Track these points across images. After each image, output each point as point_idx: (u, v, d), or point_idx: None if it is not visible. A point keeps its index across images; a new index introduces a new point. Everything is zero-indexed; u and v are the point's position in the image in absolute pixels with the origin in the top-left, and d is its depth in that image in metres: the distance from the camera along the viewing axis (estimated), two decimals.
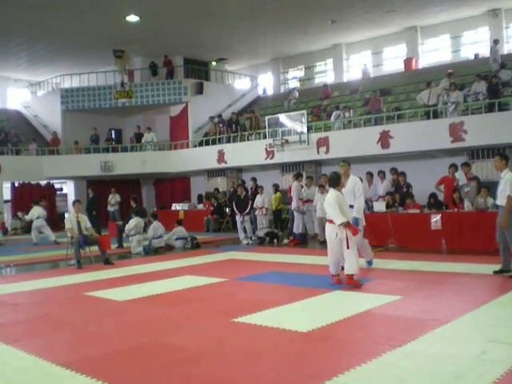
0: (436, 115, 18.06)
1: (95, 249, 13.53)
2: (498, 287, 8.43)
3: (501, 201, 9.26)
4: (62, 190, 28.74)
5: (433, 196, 14.74)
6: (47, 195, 25.63)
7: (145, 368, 5.33)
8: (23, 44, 25.22)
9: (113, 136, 30.16)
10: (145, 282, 10.46)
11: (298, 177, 16.96)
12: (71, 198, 25.54)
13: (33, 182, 26.50)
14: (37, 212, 19.26)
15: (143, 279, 10.78)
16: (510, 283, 8.56)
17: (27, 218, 19.77)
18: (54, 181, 27.44)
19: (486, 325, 6.33)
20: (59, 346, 6.36)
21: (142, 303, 8.45)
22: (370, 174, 16.88)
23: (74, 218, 13.36)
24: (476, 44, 25.08)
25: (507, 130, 15.89)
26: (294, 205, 16.45)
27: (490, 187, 13.65)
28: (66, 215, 15.77)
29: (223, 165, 23.75)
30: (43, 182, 26.89)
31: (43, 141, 28.68)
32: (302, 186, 17.53)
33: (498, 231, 9.50)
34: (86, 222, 13.50)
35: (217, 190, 23.84)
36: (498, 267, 9.51)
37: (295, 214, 16.46)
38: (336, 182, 9.24)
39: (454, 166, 14.92)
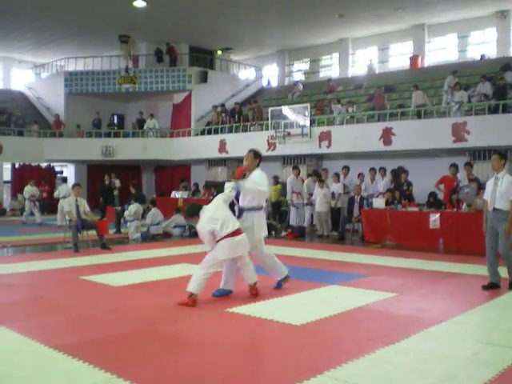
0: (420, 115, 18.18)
1: (93, 233, 13.53)
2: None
3: (501, 204, 8.42)
4: (62, 173, 28.73)
5: (432, 195, 14.76)
6: (47, 178, 25.68)
7: (137, 354, 5.34)
8: (29, 25, 25.14)
9: (115, 121, 30.09)
10: (141, 268, 10.47)
11: (293, 169, 16.98)
12: (71, 181, 25.55)
13: (33, 164, 26.53)
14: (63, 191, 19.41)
15: (140, 265, 10.78)
16: (506, 286, 8.55)
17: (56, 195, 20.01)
18: (55, 164, 27.45)
19: (479, 326, 6.34)
20: (53, 328, 6.37)
21: (138, 289, 8.46)
22: (373, 170, 16.91)
23: (73, 202, 13.35)
24: (483, 45, 25.01)
25: (510, 132, 15.87)
26: (288, 197, 16.57)
27: None
28: (66, 198, 15.79)
29: (224, 155, 23.70)
30: (44, 165, 26.92)
31: (45, 123, 28.65)
32: (303, 180, 17.58)
33: (489, 237, 8.63)
34: (84, 206, 13.49)
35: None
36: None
37: (291, 207, 16.52)
38: (193, 213, 7.81)
39: (454, 166, 14.91)
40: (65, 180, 20.37)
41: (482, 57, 23.95)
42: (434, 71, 23.63)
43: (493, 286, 8.39)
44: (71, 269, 10.48)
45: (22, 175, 25.97)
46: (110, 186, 21.56)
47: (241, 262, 7.82)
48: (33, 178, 22.10)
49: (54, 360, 5.14)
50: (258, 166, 8.29)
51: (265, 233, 8.38)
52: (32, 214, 20.55)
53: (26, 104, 30.45)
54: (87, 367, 4.91)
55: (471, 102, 17.84)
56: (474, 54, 24.99)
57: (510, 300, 7.74)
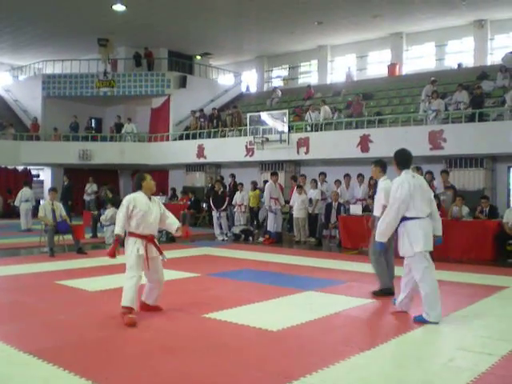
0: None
1: (69, 237, 13.43)
2: (470, 296, 8.49)
3: (376, 211, 8.31)
4: (38, 176, 28.51)
5: None
6: (13, 187, 25.48)
7: (113, 359, 5.30)
8: (7, 27, 24.92)
9: (93, 125, 30.01)
10: (117, 273, 10.33)
11: (272, 175, 17.00)
12: (48, 184, 25.38)
13: (9, 167, 26.30)
14: (26, 194, 19.22)
15: (116, 270, 10.65)
16: (482, 293, 8.61)
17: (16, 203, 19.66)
18: (31, 167, 27.24)
19: (455, 332, 6.37)
20: (28, 333, 6.30)
21: (113, 294, 8.37)
22: (348, 176, 17.02)
23: (49, 206, 13.25)
24: (460, 53, 25.24)
25: (486, 141, 16.07)
26: (266, 203, 16.55)
27: (466, 196, 13.86)
28: (42, 202, 15.75)
29: (202, 160, 23.71)
30: (20, 168, 26.70)
31: (22, 126, 28.44)
32: (282, 187, 17.64)
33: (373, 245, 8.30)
34: (61, 210, 13.40)
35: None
36: (469, 276, 9.55)
37: (269, 212, 16.52)
38: (138, 185, 7.14)
39: (430, 174, 15.03)
40: (27, 183, 20.06)
41: (459, 65, 24.19)
42: (411, 79, 23.83)
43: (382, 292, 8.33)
44: (47, 273, 10.39)
45: None
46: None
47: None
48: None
49: (29, 365, 5.09)
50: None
51: (411, 250, 6.80)
52: None
53: (3, 106, 30.18)
54: (62, 372, 4.86)
55: (448, 111, 18.01)
56: (451, 62, 25.22)
57: (486, 307, 7.79)
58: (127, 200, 6.94)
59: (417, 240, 6.73)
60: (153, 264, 7.01)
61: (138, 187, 7.11)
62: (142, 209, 6.86)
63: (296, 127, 21.45)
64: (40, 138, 26.72)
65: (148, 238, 6.96)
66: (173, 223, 7.26)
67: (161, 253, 7.08)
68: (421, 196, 6.87)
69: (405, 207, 6.75)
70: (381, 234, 6.99)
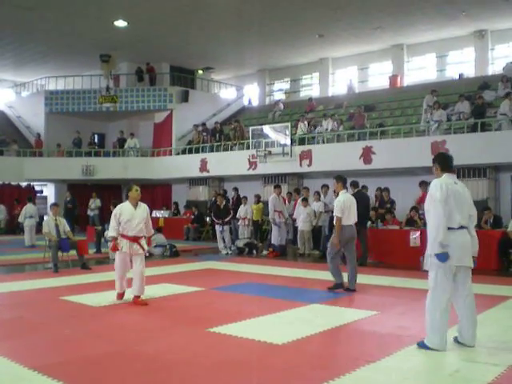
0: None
1: (73, 253, 13.41)
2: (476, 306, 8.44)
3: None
4: (42, 192, 28.56)
5: (413, 209, 14.83)
6: (20, 199, 25.55)
7: (118, 375, 5.29)
8: (9, 44, 25.07)
9: (95, 140, 30.03)
10: None
11: (275, 188, 16.99)
12: (51, 200, 25.42)
13: (13, 183, 26.35)
14: (30, 211, 19.22)
15: None
16: (487, 303, 8.57)
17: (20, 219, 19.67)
18: (35, 183, 27.29)
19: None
20: (32, 349, 6.29)
21: (118, 309, 8.40)
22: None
23: (53, 222, 13.24)
24: (461, 64, 25.28)
25: (489, 151, 16.04)
26: (270, 216, 16.51)
27: None
28: (45, 218, 15.75)
29: (205, 174, 23.72)
30: (24, 184, 26.75)
31: (25, 142, 28.52)
32: (285, 200, 17.64)
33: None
34: (64, 226, 13.37)
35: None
36: (473, 286, 9.48)
37: (273, 225, 16.50)
38: (126, 195, 9.36)
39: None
40: (30, 200, 20.11)
41: (461, 76, 24.21)
42: (413, 90, 23.87)
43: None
44: (51, 289, 10.38)
45: (2, 194, 25.81)
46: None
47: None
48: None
49: (33, 381, 5.07)
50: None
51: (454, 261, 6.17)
52: None
53: (6, 123, 30.30)
54: None
55: (450, 121, 18.02)
56: (452, 73, 25.24)
57: (491, 318, 7.76)
58: (115, 210, 8.93)
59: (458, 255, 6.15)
60: (135, 259, 8.85)
61: (126, 197, 9.15)
62: (126, 216, 8.76)
63: (299, 140, 21.47)
64: (43, 154, 26.79)
65: (132, 239, 8.74)
66: (146, 232, 9.07)
67: (143, 250, 8.92)
68: (457, 204, 6.15)
69: (447, 208, 6.04)
70: (434, 243, 6.03)
